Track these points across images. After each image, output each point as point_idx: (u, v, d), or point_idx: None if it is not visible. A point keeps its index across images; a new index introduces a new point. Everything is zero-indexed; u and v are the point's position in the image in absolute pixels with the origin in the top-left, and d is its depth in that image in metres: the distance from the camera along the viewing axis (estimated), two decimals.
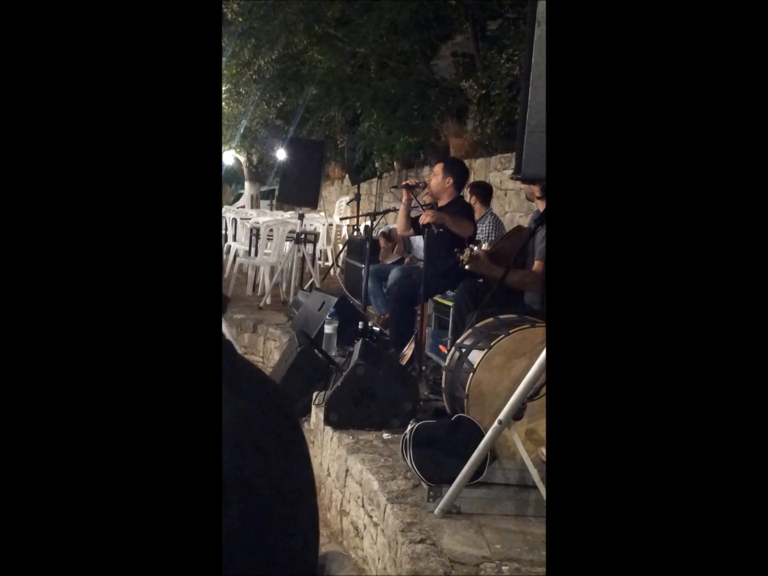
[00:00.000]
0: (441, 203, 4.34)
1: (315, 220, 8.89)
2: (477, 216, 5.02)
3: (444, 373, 3.14)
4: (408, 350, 4.07)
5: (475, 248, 3.23)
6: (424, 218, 3.96)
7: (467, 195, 5.07)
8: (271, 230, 7.14)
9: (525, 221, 5.65)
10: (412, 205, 4.35)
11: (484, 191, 5.20)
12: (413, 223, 4.38)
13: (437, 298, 4.12)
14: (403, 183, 4.40)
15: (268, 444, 0.81)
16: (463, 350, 2.97)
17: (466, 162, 7.63)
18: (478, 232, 4.86)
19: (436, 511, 2.24)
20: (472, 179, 6.61)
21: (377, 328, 4.72)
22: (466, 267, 3.25)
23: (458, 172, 4.41)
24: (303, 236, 6.68)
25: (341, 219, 10.01)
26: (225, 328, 2.00)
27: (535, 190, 3.49)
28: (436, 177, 4.34)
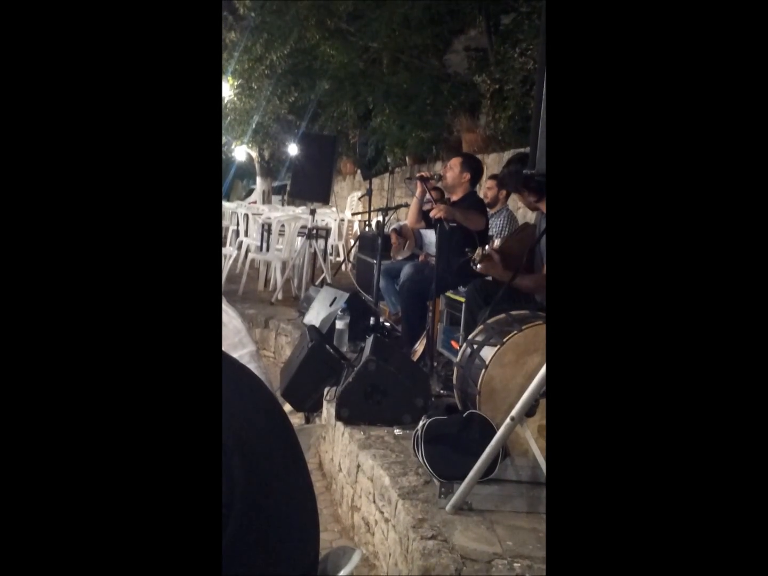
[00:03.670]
0: (454, 198, 4.32)
1: (326, 216, 8.89)
2: (496, 209, 5.01)
3: (456, 369, 3.13)
4: (419, 346, 4.06)
5: (487, 247, 3.22)
6: (435, 212, 3.94)
7: (494, 188, 5.06)
8: (283, 225, 7.16)
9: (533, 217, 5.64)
10: (425, 198, 4.34)
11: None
12: (425, 216, 4.36)
13: (449, 293, 4.11)
14: (418, 175, 4.38)
15: (263, 418, 0.81)
16: (475, 346, 2.96)
17: (479, 157, 7.62)
18: (493, 226, 4.85)
19: (448, 507, 2.24)
20: (485, 175, 6.59)
21: (388, 324, 4.73)
22: (477, 267, 3.24)
23: (475, 168, 4.40)
24: (314, 231, 6.68)
25: (353, 214, 10.00)
26: (239, 323, 1.99)
27: (529, 200, 3.46)
28: (452, 171, 4.31)
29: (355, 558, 1.10)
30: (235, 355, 1.53)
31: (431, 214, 4.01)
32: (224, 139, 13.01)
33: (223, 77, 11.32)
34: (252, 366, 1.83)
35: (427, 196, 4.31)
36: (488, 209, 4.89)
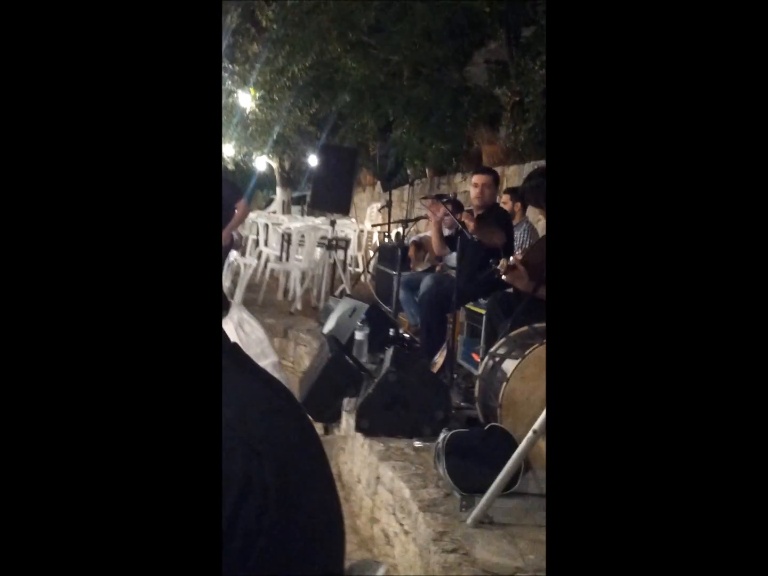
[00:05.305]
0: (478, 212, 4.31)
1: (346, 227, 8.92)
2: (515, 222, 5.01)
3: (477, 382, 3.12)
4: (439, 358, 4.05)
5: (512, 258, 3.21)
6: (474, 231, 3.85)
7: (509, 201, 5.07)
8: (303, 236, 7.19)
9: None
10: (445, 215, 4.34)
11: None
12: (448, 242, 4.39)
13: (469, 306, 4.10)
14: (434, 195, 4.40)
15: (281, 419, 0.81)
16: (497, 359, 2.95)
17: (499, 169, 7.63)
18: (514, 238, 4.85)
19: (469, 520, 2.23)
20: (504, 186, 6.59)
21: (408, 336, 4.72)
22: (503, 278, 3.24)
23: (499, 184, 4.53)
24: (334, 242, 6.71)
25: (372, 225, 10.03)
26: (262, 333, 2.01)
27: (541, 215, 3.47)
28: (489, 188, 4.31)
29: (380, 572, 1.10)
30: None
31: (471, 231, 3.89)
32: (245, 150, 13.11)
33: (245, 88, 11.43)
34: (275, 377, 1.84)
35: (442, 209, 4.31)
36: None
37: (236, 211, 5.25)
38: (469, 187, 4.54)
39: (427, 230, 7.10)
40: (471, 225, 3.87)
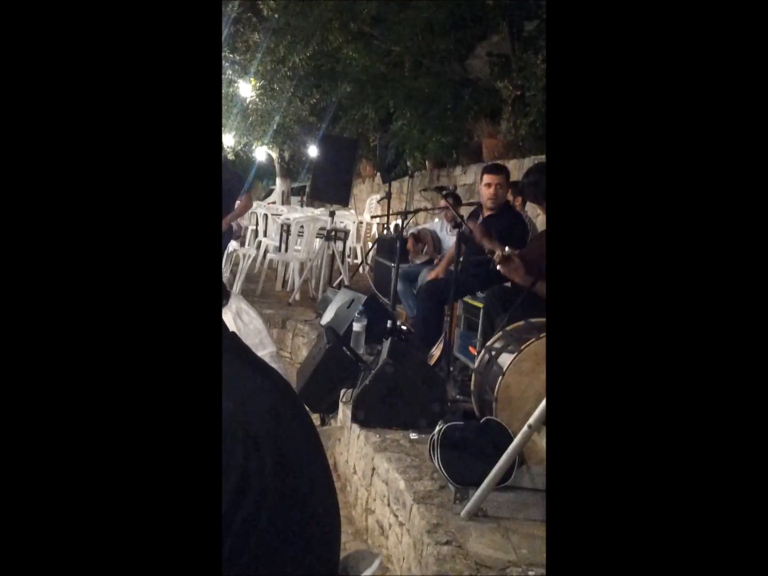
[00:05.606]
0: (489, 212, 4.27)
1: (345, 218, 8.91)
2: None
3: (473, 375, 3.13)
4: (436, 351, 4.06)
5: (507, 249, 3.21)
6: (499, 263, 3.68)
7: (509, 195, 5.02)
8: (302, 227, 7.18)
9: None
10: (445, 209, 4.33)
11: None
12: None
13: (467, 299, 4.11)
14: (435, 187, 4.38)
15: (284, 414, 0.81)
16: (493, 353, 2.96)
17: (500, 163, 7.61)
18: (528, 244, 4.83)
19: (463, 513, 2.24)
20: None
21: (405, 327, 4.73)
22: (498, 268, 3.23)
23: None
24: (333, 233, 6.70)
25: (372, 217, 10.02)
26: (260, 324, 2.01)
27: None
28: (502, 187, 4.25)
29: (376, 563, 1.11)
30: None
31: (496, 260, 3.65)
32: (245, 140, 13.07)
33: (246, 78, 11.38)
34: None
35: (443, 203, 4.30)
36: None
37: (238, 202, 5.23)
38: (472, 181, 4.53)
39: (425, 222, 7.10)
40: (479, 236, 3.76)
